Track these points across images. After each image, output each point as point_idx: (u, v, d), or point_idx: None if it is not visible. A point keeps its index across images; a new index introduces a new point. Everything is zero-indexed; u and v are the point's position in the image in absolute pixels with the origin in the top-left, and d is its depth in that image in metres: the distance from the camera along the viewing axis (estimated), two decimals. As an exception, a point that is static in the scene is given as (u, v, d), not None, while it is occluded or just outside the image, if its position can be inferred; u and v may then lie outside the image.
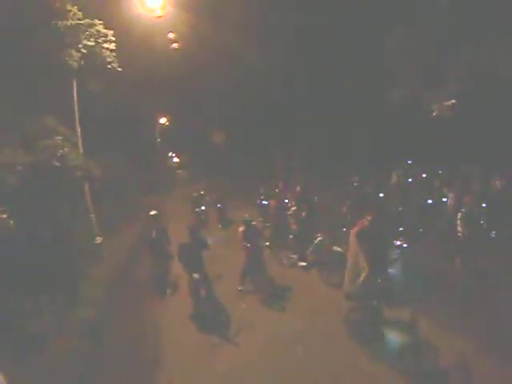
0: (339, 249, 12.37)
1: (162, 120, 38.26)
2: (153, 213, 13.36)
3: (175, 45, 23.91)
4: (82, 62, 14.46)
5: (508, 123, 16.13)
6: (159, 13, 16.00)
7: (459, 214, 12.46)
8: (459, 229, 12.34)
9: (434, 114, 18.05)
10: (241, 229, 12.64)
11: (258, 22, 22.95)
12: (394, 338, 9.74)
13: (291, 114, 24.29)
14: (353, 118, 20.86)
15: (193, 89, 31.48)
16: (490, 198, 13.59)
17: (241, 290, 12.41)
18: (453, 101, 17.79)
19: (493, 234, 12.61)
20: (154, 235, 13.03)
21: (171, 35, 22.73)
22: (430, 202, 15.36)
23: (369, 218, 10.67)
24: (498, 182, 14.02)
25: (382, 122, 20.07)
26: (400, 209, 15.62)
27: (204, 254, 11.53)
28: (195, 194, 21.34)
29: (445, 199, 15.16)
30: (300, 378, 8.73)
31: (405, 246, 12.95)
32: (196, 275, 11.13)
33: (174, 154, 47.29)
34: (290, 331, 10.27)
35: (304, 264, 13.87)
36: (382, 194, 16.77)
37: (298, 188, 15.83)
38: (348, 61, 20.54)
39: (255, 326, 10.65)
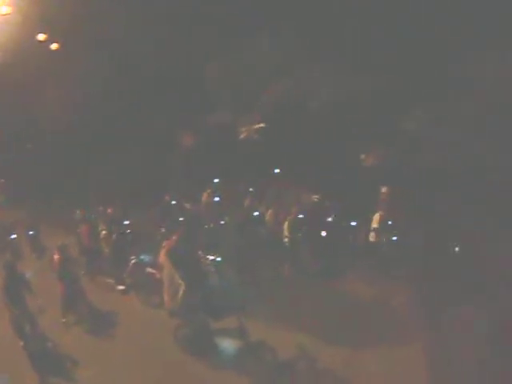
0: (152, 270, 13.14)
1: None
2: None
3: (54, 45, 21.13)
4: None
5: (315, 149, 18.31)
6: (6, 10, 14.88)
7: (285, 223, 14.39)
8: (286, 234, 14.41)
9: (242, 136, 19.61)
10: (56, 256, 12.72)
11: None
12: (227, 345, 10.72)
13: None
14: (169, 138, 21.39)
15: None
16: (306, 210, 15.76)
17: (65, 322, 12.47)
18: (261, 125, 19.53)
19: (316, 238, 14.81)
20: None
21: (42, 36, 20.46)
22: (242, 217, 16.69)
23: (175, 236, 11.57)
24: (314, 197, 15.89)
25: (197, 143, 20.99)
26: (212, 225, 16.63)
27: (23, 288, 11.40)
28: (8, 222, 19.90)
29: (256, 213, 16.69)
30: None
31: (218, 259, 13.81)
32: (17, 311, 11.03)
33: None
34: (123, 357, 10.70)
35: (122, 288, 14.37)
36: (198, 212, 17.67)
37: (109, 210, 16.01)
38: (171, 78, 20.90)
39: (87, 357, 10.75)
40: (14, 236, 18.89)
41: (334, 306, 12.08)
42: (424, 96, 16.60)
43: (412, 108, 17.05)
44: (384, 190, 15.02)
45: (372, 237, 14.60)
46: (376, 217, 14.69)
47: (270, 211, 16.35)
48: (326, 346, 10.35)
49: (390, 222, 14.61)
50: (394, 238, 14.44)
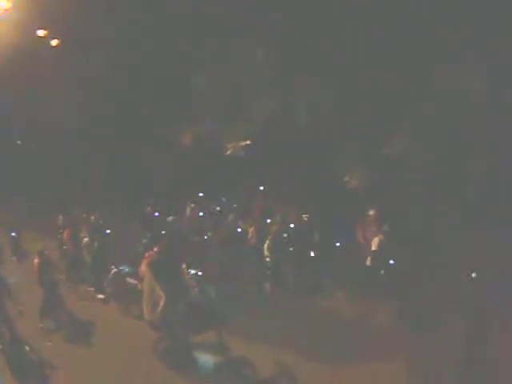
0: (133, 280, 13.26)
1: None
2: None
3: (54, 42, 20.86)
4: None
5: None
6: (6, 5, 14.92)
7: (266, 242, 14.67)
8: (266, 253, 14.69)
9: (228, 153, 19.89)
10: (36, 261, 12.74)
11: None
12: (206, 359, 10.67)
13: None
14: (154, 151, 21.49)
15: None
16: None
17: (42, 328, 12.47)
18: (247, 142, 19.86)
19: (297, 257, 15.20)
20: None
21: (41, 32, 20.16)
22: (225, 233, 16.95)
23: (157, 248, 11.73)
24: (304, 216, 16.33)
25: (181, 157, 21.13)
26: (196, 239, 16.74)
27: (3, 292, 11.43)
28: None
29: (239, 229, 17.07)
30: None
31: (199, 273, 13.91)
32: None
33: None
34: (102, 368, 10.67)
35: (102, 297, 14.44)
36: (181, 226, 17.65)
37: (92, 217, 16.02)
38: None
39: (67, 365, 10.67)
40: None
41: (316, 323, 12.32)
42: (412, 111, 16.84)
43: (399, 124, 17.23)
44: (371, 212, 15.30)
45: (368, 260, 14.87)
46: (375, 240, 14.92)
47: (251, 229, 16.45)
48: (307, 362, 10.56)
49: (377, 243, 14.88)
50: (382, 258, 14.75)
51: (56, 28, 20.24)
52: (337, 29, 17.36)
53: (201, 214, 18.36)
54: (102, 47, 20.54)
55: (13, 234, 18.71)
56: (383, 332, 11.85)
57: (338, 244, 15.92)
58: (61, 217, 17.33)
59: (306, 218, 17.06)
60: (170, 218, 17.83)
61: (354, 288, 14.36)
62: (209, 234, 17.39)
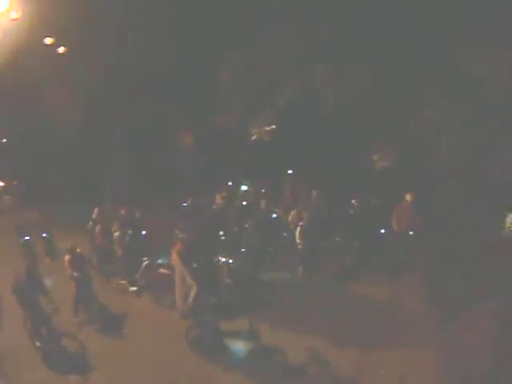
0: (165, 270, 13.41)
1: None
2: None
3: (61, 49, 20.69)
4: None
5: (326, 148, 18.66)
6: (15, 15, 15.18)
7: (298, 228, 14.60)
8: (298, 240, 14.55)
9: (254, 138, 19.90)
10: (66, 257, 12.89)
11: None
12: (237, 346, 10.83)
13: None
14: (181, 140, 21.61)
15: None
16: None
17: (77, 322, 12.60)
18: (272, 126, 19.84)
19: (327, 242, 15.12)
20: None
21: (49, 40, 19.99)
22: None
23: (186, 236, 11.85)
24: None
25: (204, 146, 21.17)
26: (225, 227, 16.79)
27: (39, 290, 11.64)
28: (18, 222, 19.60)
29: (274, 215, 17.14)
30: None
31: (230, 261, 13.96)
32: (32, 312, 11.32)
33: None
34: (136, 358, 10.96)
35: (135, 289, 14.48)
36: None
37: (123, 211, 16.15)
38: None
39: (105, 358, 10.94)
40: (27, 238, 18.13)
41: (346, 310, 12.37)
42: (433, 96, 16.73)
43: (422, 108, 17.15)
44: (408, 196, 15.08)
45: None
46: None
47: (293, 212, 16.35)
48: (337, 349, 10.60)
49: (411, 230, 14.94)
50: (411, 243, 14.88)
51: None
52: (361, 13, 17.19)
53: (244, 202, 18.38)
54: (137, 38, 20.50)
55: (44, 234, 18.66)
56: (417, 319, 11.76)
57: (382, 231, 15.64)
58: (96, 209, 17.30)
59: (337, 203, 16.91)
60: (200, 207, 17.83)
61: (389, 275, 14.27)
62: (242, 221, 17.34)
